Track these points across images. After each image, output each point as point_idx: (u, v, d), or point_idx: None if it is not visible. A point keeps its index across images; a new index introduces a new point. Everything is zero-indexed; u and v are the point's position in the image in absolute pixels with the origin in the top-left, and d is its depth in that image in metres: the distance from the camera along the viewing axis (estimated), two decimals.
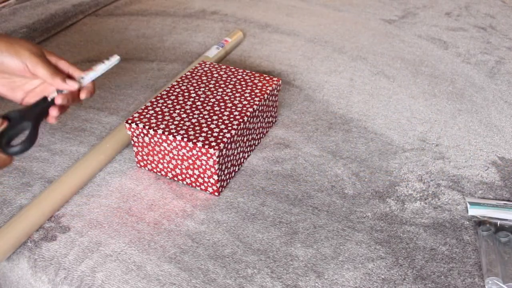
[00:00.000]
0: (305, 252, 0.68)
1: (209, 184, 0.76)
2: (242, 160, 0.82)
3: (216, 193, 0.76)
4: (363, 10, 1.40)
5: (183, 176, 0.78)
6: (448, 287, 0.64)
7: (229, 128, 0.75)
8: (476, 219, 0.74)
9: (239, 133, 0.77)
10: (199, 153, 0.72)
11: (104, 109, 0.95)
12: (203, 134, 0.73)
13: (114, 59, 0.69)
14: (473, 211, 0.75)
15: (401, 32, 1.28)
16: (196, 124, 0.76)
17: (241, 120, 0.77)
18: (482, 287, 0.64)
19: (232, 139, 0.75)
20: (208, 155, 0.71)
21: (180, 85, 0.86)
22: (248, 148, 0.83)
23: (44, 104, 0.61)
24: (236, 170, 0.81)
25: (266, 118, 0.88)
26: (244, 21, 1.30)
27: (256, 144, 0.87)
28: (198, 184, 0.77)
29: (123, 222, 0.72)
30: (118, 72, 1.07)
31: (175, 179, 0.79)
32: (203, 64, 0.92)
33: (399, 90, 1.04)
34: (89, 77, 0.65)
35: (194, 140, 0.72)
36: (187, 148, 0.73)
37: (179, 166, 0.77)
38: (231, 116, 0.78)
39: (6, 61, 0.58)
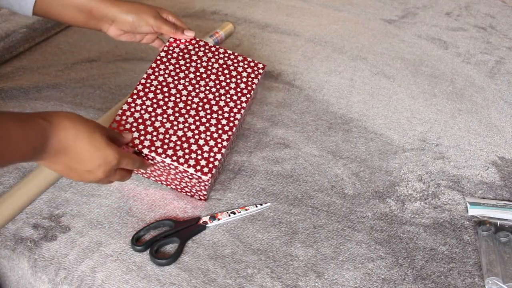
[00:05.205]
0: (305, 252, 0.68)
1: (198, 195, 0.74)
2: (229, 153, 0.80)
3: (204, 200, 0.75)
4: (363, 10, 1.40)
5: (169, 182, 0.75)
6: (448, 287, 0.64)
7: (219, 146, 0.71)
8: (476, 219, 0.74)
9: (228, 145, 0.73)
10: (190, 176, 0.70)
11: (104, 109, 0.95)
12: (193, 155, 0.69)
13: None
14: (473, 211, 0.75)
15: (401, 32, 1.28)
16: (183, 139, 0.71)
17: (230, 132, 0.73)
18: (482, 287, 0.64)
19: (222, 156, 0.72)
20: (200, 180, 0.69)
21: (157, 74, 0.77)
22: (234, 138, 0.81)
23: (196, 226, 0.71)
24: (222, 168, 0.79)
25: (250, 105, 0.84)
26: (244, 21, 1.30)
27: (240, 127, 0.83)
28: (185, 191, 0.75)
29: (123, 222, 0.72)
30: (118, 72, 1.07)
31: (160, 183, 0.77)
32: (177, 41, 0.82)
33: (399, 90, 1.04)
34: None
35: (185, 165, 0.68)
36: (177, 170, 0.70)
37: (164, 176, 0.74)
38: (219, 126, 0.73)
39: (139, 27, 0.78)
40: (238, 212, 0.73)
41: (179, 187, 0.75)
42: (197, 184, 0.71)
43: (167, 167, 0.70)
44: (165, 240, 0.69)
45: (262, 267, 0.66)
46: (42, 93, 0.98)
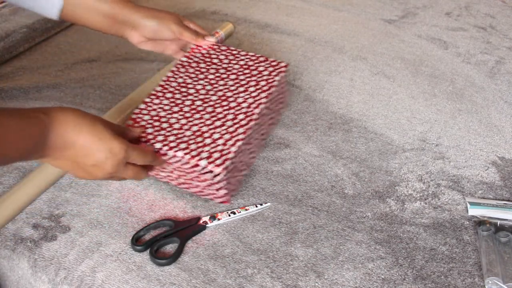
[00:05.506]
0: (305, 252, 0.68)
1: (217, 196, 0.73)
2: (253, 157, 0.79)
3: (226, 203, 0.74)
4: (363, 10, 1.40)
5: (187, 184, 0.74)
6: (448, 287, 0.64)
7: (234, 139, 0.69)
8: (476, 219, 0.74)
9: (245, 141, 0.71)
10: (203, 171, 0.68)
11: (105, 109, 0.95)
12: (206, 148, 0.68)
13: None
14: (473, 211, 0.75)
15: (401, 32, 1.28)
16: (198, 133, 0.70)
17: (247, 127, 0.71)
18: (482, 287, 0.64)
19: (238, 151, 0.69)
20: (214, 173, 0.67)
21: (177, 76, 0.78)
22: (259, 143, 0.80)
23: (196, 226, 0.70)
24: (247, 168, 0.78)
25: (276, 107, 0.82)
26: (244, 21, 1.30)
27: (267, 133, 0.82)
28: (206, 194, 0.74)
29: (123, 222, 0.72)
30: (118, 72, 1.07)
31: (180, 186, 0.76)
32: (199, 47, 0.83)
33: (399, 90, 1.04)
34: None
35: (197, 158, 0.67)
36: (190, 166, 0.69)
37: (183, 178, 0.73)
38: (235, 120, 0.71)
39: (161, 33, 0.80)
40: (238, 212, 0.73)
41: (199, 189, 0.73)
42: (214, 182, 0.69)
43: (181, 163, 0.69)
44: (165, 240, 0.69)
45: (262, 267, 0.66)
46: (42, 93, 0.98)
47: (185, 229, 0.70)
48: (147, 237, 0.70)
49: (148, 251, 0.67)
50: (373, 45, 1.21)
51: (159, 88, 0.76)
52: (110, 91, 1.00)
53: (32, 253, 0.68)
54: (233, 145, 0.69)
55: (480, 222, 0.73)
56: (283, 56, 1.15)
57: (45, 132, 0.56)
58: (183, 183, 0.74)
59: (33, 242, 0.69)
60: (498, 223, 0.73)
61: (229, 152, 0.68)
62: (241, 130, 0.70)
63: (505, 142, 0.90)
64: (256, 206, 0.74)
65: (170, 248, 0.69)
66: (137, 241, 0.68)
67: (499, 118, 0.96)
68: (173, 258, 0.66)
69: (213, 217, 0.72)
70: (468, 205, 0.76)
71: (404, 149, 0.87)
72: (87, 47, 1.17)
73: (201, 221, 0.72)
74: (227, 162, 0.67)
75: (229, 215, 0.72)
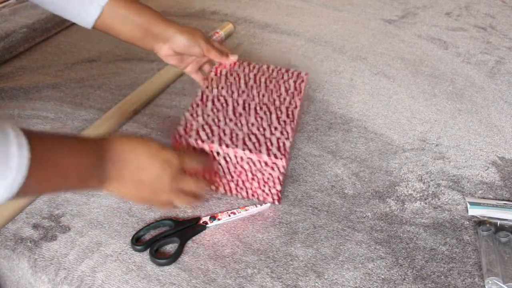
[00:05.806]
0: (305, 252, 0.68)
1: (270, 194, 0.74)
2: (289, 158, 0.81)
3: (277, 202, 0.75)
4: (363, 10, 1.40)
5: (239, 187, 0.75)
6: (448, 287, 0.64)
7: (285, 135, 0.72)
8: (476, 219, 0.74)
9: (292, 138, 0.75)
10: (262, 164, 0.70)
11: (105, 109, 0.95)
12: (263, 144, 0.70)
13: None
14: (473, 211, 0.75)
15: (401, 32, 1.28)
16: (249, 133, 0.72)
17: (293, 125, 0.75)
18: (482, 287, 0.64)
19: (290, 146, 0.72)
20: (275, 167, 0.69)
21: (210, 88, 0.81)
22: (291, 146, 0.82)
23: (196, 226, 0.71)
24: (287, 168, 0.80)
25: (300, 113, 0.87)
26: (244, 21, 1.30)
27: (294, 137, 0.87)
28: (257, 195, 0.75)
29: (123, 222, 0.72)
30: (118, 72, 1.07)
31: (229, 193, 0.76)
32: (221, 66, 0.88)
33: (399, 90, 1.04)
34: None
35: (257, 152, 0.69)
36: (248, 161, 0.70)
37: (234, 181, 0.74)
38: (280, 120, 0.76)
39: (191, 48, 0.81)
40: (238, 212, 0.73)
41: (250, 191, 0.74)
42: (271, 178, 0.71)
43: (237, 162, 0.71)
44: (165, 240, 0.69)
45: (262, 267, 0.66)
46: (42, 93, 0.98)
47: (185, 229, 0.70)
48: (147, 237, 0.70)
49: (148, 251, 0.67)
50: (373, 45, 1.22)
51: (197, 99, 0.79)
52: (110, 91, 1.00)
53: (32, 253, 0.68)
54: (287, 138, 0.72)
55: (480, 222, 0.73)
56: (283, 56, 1.15)
57: (102, 152, 0.58)
58: (235, 188, 0.75)
59: (33, 242, 0.69)
60: (498, 223, 0.73)
61: (285, 146, 0.71)
62: (288, 127, 0.74)
63: (505, 142, 0.90)
64: (256, 206, 0.74)
65: (170, 248, 0.69)
66: (137, 241, 0.68)
67: (499, 118, 0.96)
68: (173, 258, 0.66)
69: (213, 217, 0.72)
70: (468, 205, 0.76)
71: (404, 149, 0.87)
72: (87, 47, 1.17)
73: (201, 221, 0.72)
74: (287, 155, 0.69)
75: (229, 215, 0.72)
